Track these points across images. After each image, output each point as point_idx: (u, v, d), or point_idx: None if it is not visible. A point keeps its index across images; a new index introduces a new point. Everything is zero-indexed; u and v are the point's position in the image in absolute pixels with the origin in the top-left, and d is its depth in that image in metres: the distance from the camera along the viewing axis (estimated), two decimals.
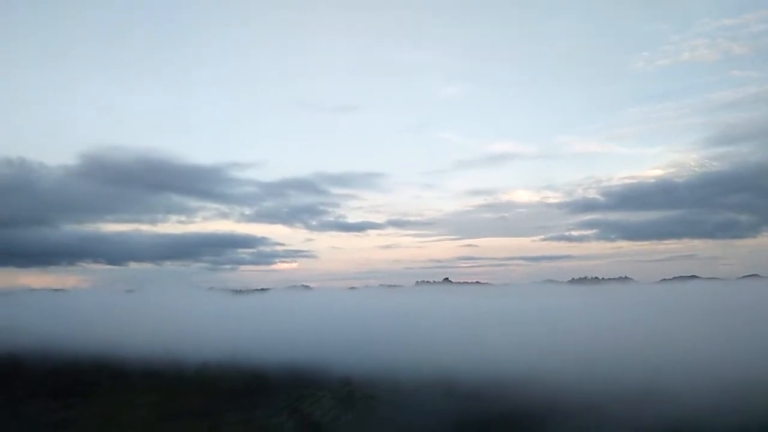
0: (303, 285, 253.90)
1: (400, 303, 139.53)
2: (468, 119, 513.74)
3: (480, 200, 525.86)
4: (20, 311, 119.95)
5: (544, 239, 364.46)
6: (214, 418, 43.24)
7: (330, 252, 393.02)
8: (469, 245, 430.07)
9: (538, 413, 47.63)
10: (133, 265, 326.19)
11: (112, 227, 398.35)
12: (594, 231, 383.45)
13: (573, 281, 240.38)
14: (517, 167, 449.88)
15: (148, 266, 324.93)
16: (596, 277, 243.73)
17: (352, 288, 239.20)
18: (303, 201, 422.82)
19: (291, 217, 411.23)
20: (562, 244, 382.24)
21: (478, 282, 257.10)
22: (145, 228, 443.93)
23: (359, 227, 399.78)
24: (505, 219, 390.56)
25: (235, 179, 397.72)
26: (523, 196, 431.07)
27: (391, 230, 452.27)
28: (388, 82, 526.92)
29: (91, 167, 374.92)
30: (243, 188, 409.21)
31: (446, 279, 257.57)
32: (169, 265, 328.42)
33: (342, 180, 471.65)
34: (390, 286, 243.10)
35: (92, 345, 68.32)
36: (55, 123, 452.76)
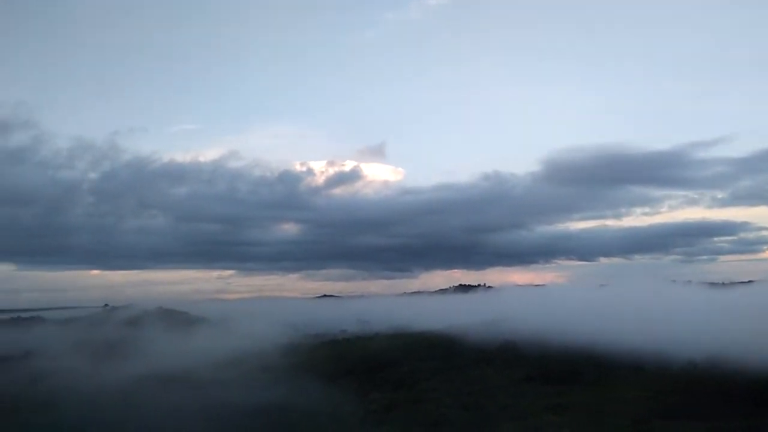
0: None
1: None
2: None
3: None
4: (511, 304, 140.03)
5: None
6: (711, 422, 39.66)
7: None
8: None
9: None
10: (602, 260, 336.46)
11: (579, 225, 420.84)
12: None
13: None
14: None
15: (617, 261, 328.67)
16: None
17: None
18: None
19: None
20: None
21: None
22: (610, 223, 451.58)
23: None
24: None
25: (699, 160, 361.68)
26: None
27: None
28: None
29: (553, 171, 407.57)
30: (711, 169, 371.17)
31: None
32: (638, 259, 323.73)
33: None
34: None
35: (573, 336, 73.00)
36: (518, 135, 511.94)
